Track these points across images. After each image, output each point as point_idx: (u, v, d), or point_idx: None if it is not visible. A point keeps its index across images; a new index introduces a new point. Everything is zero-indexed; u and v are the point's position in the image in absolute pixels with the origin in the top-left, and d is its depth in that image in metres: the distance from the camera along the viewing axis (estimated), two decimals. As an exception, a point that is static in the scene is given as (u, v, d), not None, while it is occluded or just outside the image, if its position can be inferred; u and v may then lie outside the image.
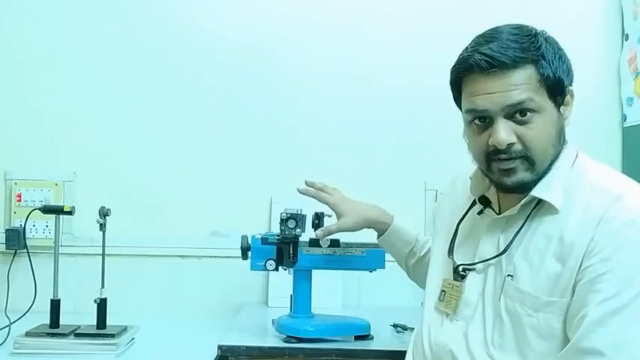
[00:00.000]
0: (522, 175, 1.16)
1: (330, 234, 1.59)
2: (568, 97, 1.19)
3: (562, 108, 1.18)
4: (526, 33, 1.16)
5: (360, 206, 1.61)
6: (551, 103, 1.16)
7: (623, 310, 1.03)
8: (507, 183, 1.17)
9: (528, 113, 1.13)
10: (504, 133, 1.13)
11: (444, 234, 1.35)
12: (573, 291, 1.08)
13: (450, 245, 1.30)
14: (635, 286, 1.04)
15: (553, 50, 1.16)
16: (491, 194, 1.28)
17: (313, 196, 1.62)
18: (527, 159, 1.15)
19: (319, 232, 1.59)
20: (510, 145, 1.14)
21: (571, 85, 1.20)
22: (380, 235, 1.63)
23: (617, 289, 1.04)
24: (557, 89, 1.16)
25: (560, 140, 1.18)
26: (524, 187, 1.18)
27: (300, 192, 1.63)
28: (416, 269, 1.63)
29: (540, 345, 1.10)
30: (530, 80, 1.13)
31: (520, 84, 1.13)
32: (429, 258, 1.46)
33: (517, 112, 1.13)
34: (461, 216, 1.32)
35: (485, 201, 1.28)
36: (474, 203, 1.30)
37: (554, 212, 1.14)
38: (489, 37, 1.16)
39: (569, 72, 1.19)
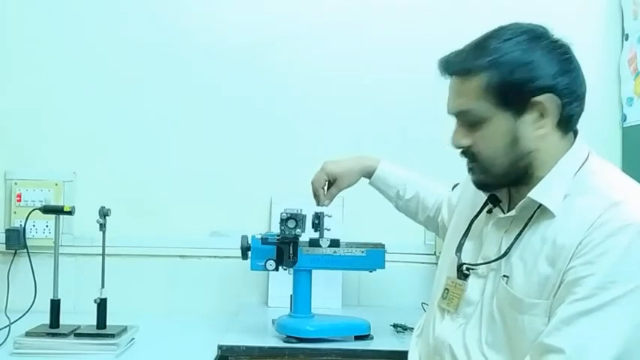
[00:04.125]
0: (480, 176, 1.22)
1: (333, 198, 1.68)
2: (543, 106, 1.13)
3: (529, 117, 1.14)
4: (500, 36, 1.15)
5: (349, 164, 1.67)
6: (502, 112, 1.14)
7: (593, 312, 1.02)
8: (473, 181, 1.24)
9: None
10: (454, 136, 1.21)
11: (458, 229, 1.35)
12: (557, 292, 1.08)
13: (460, 242, 1.30)
14: (612, 292, 1.02)
15: (518, 56, 1.12)
16: (502, 193, 1.27)
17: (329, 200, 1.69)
18: (480, 164, 1.20)
19: (327, 201, 1.67)
20: (464, 148, 1.20)
21: (551, 92, 1.13)
22: (369, 179, 1.69)
23: (592, 292, 1.03)
24: (511, 99, 1.13)
25: (518, 149, 1.15)
26: (488, 188, 1.24)
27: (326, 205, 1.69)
28: (402, 208, 1.71)
29: (528, 346, 1.09)
30: (476, 90, 1.15)
31: (465, 93, 1.17)
32: (416, 201, 1.66)
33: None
34: (476, 213, 1.31)
35: (495, 199, 1.27)
36: (487, 202, 1.29)
37: (552, 216, 1.13)
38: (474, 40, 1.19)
39: (536, 80, 1.12)
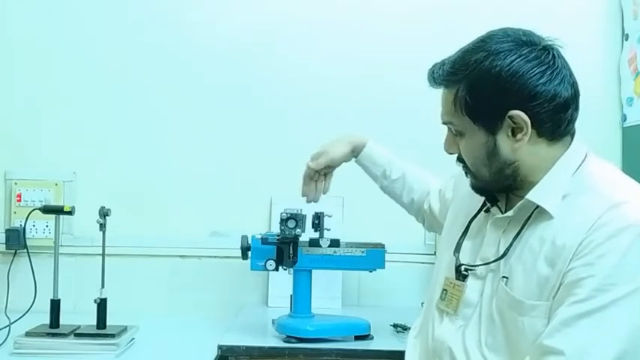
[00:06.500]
0: (472, 180, 1.24)
1: (319, 167, 1.63)
2: (520, 122, 1.11)
3: (505, 131, 1.13)
4: (481, 48, 1.12)
5: (343, 147, 1.64)
6: (475, 127, 1.15)
7: (593, 314, 1.02)
8: (469, 184, 1.25)
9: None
10: (445, 142, 1.25)
11: (455, 227, 1.34)
12: (557, 293, 1.08)
13: (458, 242, 1.28)
14: (612, 294, 1.01)
15: (489, 74, 1.10)
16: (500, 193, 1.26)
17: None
18: (469, 169, 1.22)
19: (312, 163, 1.63)
20: (454, 154, 1.24)
21: (529, 104, 1.10)
22: (356, 157, 1.67)
23: (592, 293, 1.02)
24: (483, 114, 1.13)
25: (497, 161, 1.15)
26: (483, 191, 1.24)
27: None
28: (387, 189, 1.68)
29: (528, 348, 1.09)
30: (450, 103, 1.16)
31: (445, 104, 1.19)
32: (402, 183, 1.64)
33: None
34: (474, 213, 1.29)
35: (493, 199, 1.26)
36: (485, 202, 1.28)
37: (550, 217, 1.12)
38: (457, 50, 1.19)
39: (509, 96, 1.10)
